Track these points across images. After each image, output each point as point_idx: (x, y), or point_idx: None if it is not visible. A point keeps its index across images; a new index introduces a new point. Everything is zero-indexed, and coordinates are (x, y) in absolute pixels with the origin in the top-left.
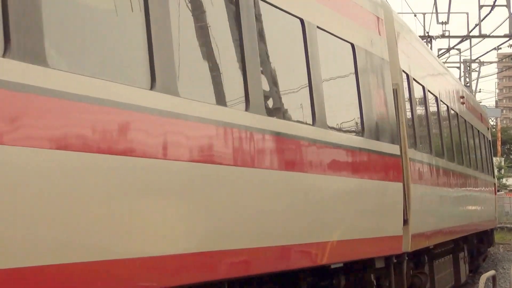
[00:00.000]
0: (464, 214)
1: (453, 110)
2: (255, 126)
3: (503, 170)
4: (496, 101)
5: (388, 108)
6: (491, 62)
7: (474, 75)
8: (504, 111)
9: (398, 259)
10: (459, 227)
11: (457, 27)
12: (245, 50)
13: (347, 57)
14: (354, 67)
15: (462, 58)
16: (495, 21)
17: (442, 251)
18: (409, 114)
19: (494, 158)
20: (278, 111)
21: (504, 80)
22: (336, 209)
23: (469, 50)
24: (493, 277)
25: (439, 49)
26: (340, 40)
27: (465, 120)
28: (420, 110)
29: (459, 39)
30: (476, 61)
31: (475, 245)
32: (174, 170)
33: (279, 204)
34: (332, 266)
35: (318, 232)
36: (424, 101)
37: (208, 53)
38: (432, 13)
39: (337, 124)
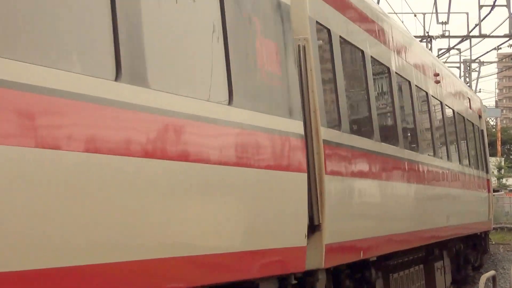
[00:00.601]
0: (436, 216)
1: (419, 88)
2: None
3: (503, 170)
4: (496, 101)
5: (287, 70)
6: (491, 62)
7: (474, 75)
8: (504, 111)
9: (310, 279)
10: (425, 233)
11: (457, 27)
12: None
13: None
14: (220, 7)
15: (462, 58)
16: (495, 21)
17: (407, 261)
18: (331, 83)
19: (494, 158)
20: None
21: (504, 80)
22: (174, 210)
23: (469, 50)
24: (493, 277)
25: (439, 49)
26: None
27: (441, 103)
28: (354, 80)
29: (459, 39)
30: (476, 61)
31: (462, 252)
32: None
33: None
34: None
35: (140, 245)
36: (363, 70)
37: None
38: (432, 13)
39: (171, 82)
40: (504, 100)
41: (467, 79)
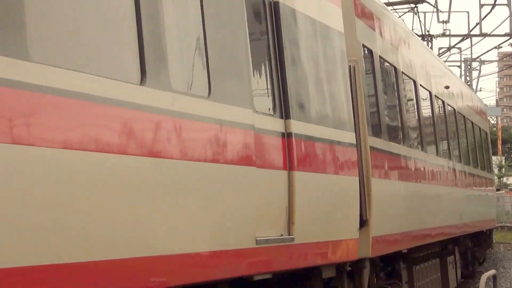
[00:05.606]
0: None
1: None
2: None
3: (503, 169)
4: (496, 100)
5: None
6: (491, 61)
7: (474, 74)
8: (505, 109)
9: None
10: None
11: (458, 26)
12: None
13: None
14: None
15: (463, 57)
16: (496, 20)
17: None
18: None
19: (494, 157)
20: None
21: (504, 79)
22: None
23: (469, 49)
24: (494, 277)
25: (440, 48)
26: None
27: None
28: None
29: (459, 38)
30: (476, 60)
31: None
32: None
33: None
34: None
35: None
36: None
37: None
38: (432, 12)
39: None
40: (505, 99)
41: (468, 78)
